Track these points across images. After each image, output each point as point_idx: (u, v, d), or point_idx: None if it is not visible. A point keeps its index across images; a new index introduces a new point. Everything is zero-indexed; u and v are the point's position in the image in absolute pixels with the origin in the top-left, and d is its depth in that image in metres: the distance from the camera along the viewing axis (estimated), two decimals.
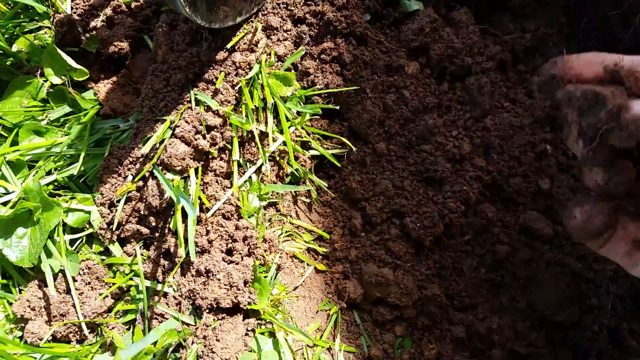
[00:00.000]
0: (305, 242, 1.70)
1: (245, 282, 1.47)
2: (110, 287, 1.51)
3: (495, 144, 1.83)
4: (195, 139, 1.53)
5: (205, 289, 1.44)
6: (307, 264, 1.69)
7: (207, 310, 1.43)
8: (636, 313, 1.82)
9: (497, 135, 1.83)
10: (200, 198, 1.53)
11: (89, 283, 1.53)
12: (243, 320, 1.47)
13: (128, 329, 1.52)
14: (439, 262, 1.76)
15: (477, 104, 1.80)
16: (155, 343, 1.40)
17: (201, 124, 1.54)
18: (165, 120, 1.56)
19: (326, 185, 1.77)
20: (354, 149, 1.71)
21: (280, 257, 1.59)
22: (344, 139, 1.70)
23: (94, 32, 1.73)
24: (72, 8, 1.73)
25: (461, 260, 1.78)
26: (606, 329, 1.75)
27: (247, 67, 1.63)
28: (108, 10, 1.76)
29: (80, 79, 1.65)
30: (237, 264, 1.48)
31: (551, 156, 1.89)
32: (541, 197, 1.89)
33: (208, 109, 1.58)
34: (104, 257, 1.56)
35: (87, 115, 1.65)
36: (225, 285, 1.43)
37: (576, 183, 1.92)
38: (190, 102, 1.58)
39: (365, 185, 1.77)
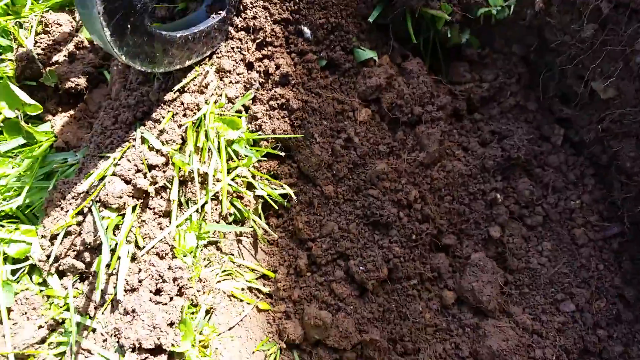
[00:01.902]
0: (246, 281, 1.64)
1: (172, 323, 1.41)
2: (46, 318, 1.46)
3: (443, 192, 1.76)
4: (135, 177, 1.48)
5: (129, 328, 1.38)
6: (247, 303, 1.62)
7: (130, 350, 1.37)
8: None
9: (446, 183, 1.76)
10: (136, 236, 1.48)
11: (26, 313, 1.48)
12: None
13: None
14: (383, 305, 1.68)
15: (427, 152, 1.73)
16: None
17: (142, 163, 1.50)
18: (109, 157, 1.52)
19: (274, 224, 1.71)
20: (294, 198, 1.65)
21: (214, 297, 1.53)
22: (285, 187, 1.64)
23: (56, 66, 1.70)
24: (35, 42, 1.71)
25: (406, 304, 1.70)
26: None
27: (196, 108, 1.59)
28: (70, 46, 1.74)
29: (33, 113, 1.62)
30: (164, 304, 1.42)
31: (502, 204, 1.80)
32: (492, 244, 1.80)
33: (152, 147, 1.53)
34: (42, 288, 1.51)
35: (40, 149, 1.61)
36: (148, 326, 1.37)
37: (529, 232, 1.83)
38: (135, 140, 1.54)
39: (312, 226, 1.71)
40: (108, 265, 1.41)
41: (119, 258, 1.45)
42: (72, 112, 1.72)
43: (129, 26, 1.23)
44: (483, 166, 1.80)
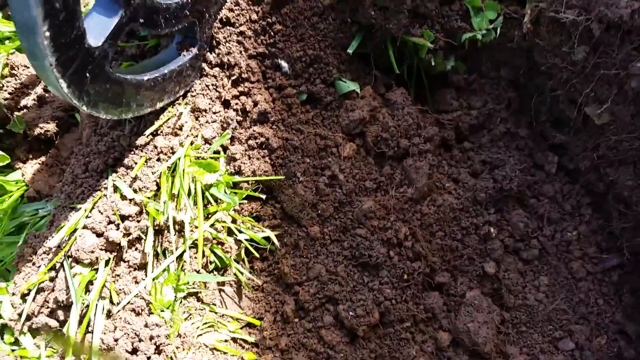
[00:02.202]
0: (230, 331, 1.56)
1: None
2: None
3: (435, 227, 1.69)
4: (107, 230, 1.41)
5: None
6: (232, 355, 1.54)
7: None
8: None
9: (437, 219, 1.69)
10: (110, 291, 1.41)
11: None
12: None
13: None
14: (375, 351, 1.60)
15: (416, 186, 1.66)
16: None
17: (114, 214, 1.43)
18: (80, 208, 1.45)
19: (259, 268, 1.65)
20: (276, 243, 1.57)
21: (194, 352, 1.45)
22: (266, 230, 1.57)
23: (24, 111, 1.64)
24: (1, 86, 1.65)
25: (399, 349, 1.62)
26: None
27: (170, 151, 1.52)
28: (39, 89, 1.67)
29: (1, 164, 1.55)
30: None
31: (496, 239, 1.73)
32: (487, 280, 1.73)
33: (124, 197, 1.46)
34: (15, 348, 1.44)
35: (11, 200, 1.55)
36: None
37: (525, 267, 1.76)
38: (107, 188, 1.47)
39: (298, 269, 1.63)
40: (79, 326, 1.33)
41: (93, 315, 1.38)
42: (43, 158, 1.65)
43: (88, 75, 1.16)
44: (475, 199, 1.73)
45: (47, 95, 1.66)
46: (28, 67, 1.68)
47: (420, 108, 1.74)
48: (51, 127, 1.63)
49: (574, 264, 1.74)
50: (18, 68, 1.67)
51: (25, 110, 1.65)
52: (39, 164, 1.65)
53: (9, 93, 1.65)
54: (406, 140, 1.67)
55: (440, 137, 1.75)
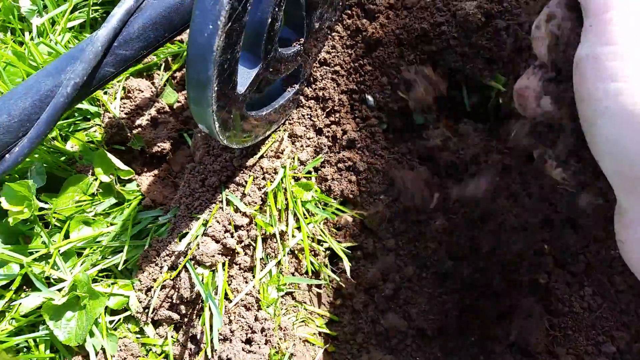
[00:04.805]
0: (317, 326, 1.92)
1: None
2: None
3: (496, 244, 2.04)
4: (224, 238, 1.77)
5: None
6: (319, 347, 1.91)
7: None
8: None
9: (498, 236, 2.04)
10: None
11: (125, 359, 1.77)
12: None
13: None
14: (443, 350, 1.96)
15: (480, 207, 2.02)
16: None
17: (230, 224, 1.79)
18: (200, 218, 1.81)
19: (338, 275, 2.00)
20: (359, 253, 1.94)
21: (294, 343, 1.81)
22: (352, 241, 1.93)
23: (139, 129, 2.00)
24: (120, 107, 2.00)
25: (464, 349, 1.98)
26: None
27: (273, 171, 1.88)
28: (152, 111, 2.03)
29: (126, 178, 1.91)
30: (254, 353, 1.71)
31: (548, 254, 2.08)
32: (539, 291, 2.08)
33: (237, 209, 1.82)
34: (139, 336, 1.80)
35: (130, 207, 1.90)
36: None
37: (573, 279, 2.11)
38: (222, 202, 1.83)
39: (374, 275, 1.99)
40: (210, 318, 1.70)
41: (210, 310, 1.74)
42: (156, 171, 2.01)
43: (232, 116, 1.51)
44: (533, 218, 2.08)
45: (159, 116, 2.02)
46: (142, 91, 2.04)
47: (485, 137, 2.10)
48: (167, 145, 1.99)
49: (616, 278, 2.09)
50: (133, 92, 2.03)
51: (139, 129, 2.01)
52: (153, 176, 2.00)
53: (125, 114, 2.01)
54: (473, 166, 2.03)
55: (501, 164, 2.10)
